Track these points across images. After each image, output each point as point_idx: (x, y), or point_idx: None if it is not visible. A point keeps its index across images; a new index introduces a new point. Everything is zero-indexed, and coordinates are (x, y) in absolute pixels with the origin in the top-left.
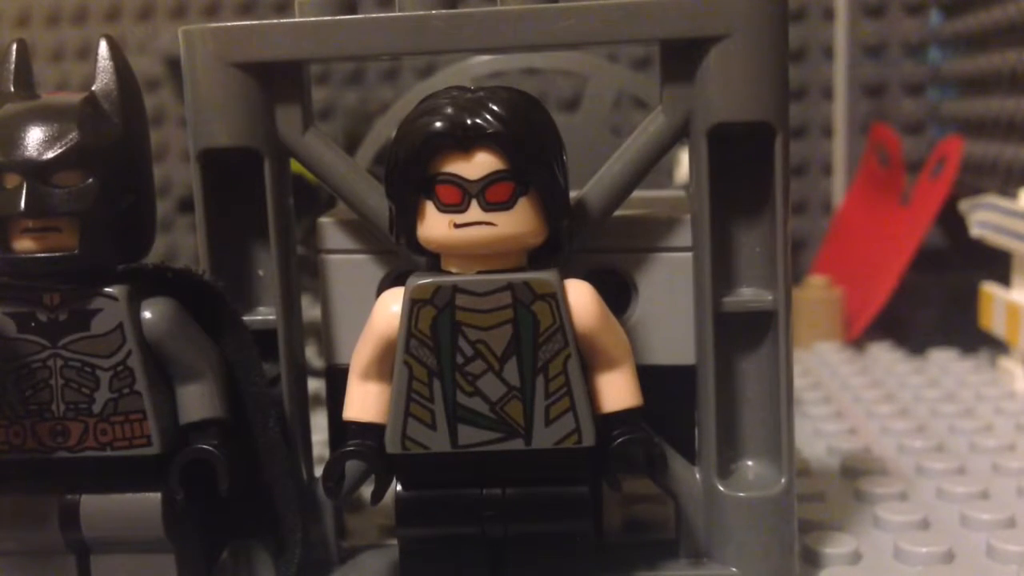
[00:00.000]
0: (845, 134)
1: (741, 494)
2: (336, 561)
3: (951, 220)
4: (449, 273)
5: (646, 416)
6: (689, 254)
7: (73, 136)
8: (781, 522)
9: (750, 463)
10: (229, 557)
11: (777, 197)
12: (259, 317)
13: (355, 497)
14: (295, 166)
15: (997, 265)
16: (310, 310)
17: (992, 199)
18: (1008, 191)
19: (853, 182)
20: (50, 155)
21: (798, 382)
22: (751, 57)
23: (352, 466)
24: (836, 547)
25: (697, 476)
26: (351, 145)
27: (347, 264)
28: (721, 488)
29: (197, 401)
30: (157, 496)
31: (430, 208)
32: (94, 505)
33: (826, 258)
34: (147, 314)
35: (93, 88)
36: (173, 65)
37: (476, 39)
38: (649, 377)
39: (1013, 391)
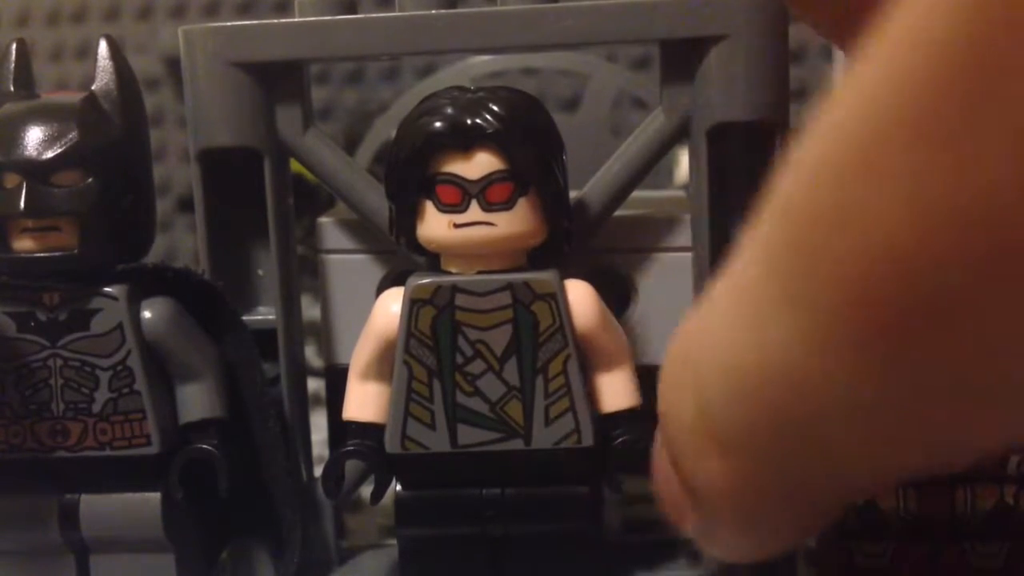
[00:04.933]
0: None
1: None
2: (336, 561)
3: None
4: (449, 273)
5: (646, 416)
6: (689, 254)
7: (73, 136)
8: None
9: None
10: (229, 557)
11: None
12: (259, 317)
13: (355, 497)
14: (295, 166)
15: None
16: (310, 310)
17: None
18: None
19: None
20: (50, 155)
21: None
22: (751, 57)
23: (352, 466)
24: None
25: None
26: (351, 145)
27: (347, 264)
28: None
29: (197, 401)
30: (157, 496)
31: (430, 208)
32: (94, 505)
33: None
34: (147, 314)
35: (93, 88)
36: (173, 65)
37: (476, 39)
38: (649, 377)
39: None
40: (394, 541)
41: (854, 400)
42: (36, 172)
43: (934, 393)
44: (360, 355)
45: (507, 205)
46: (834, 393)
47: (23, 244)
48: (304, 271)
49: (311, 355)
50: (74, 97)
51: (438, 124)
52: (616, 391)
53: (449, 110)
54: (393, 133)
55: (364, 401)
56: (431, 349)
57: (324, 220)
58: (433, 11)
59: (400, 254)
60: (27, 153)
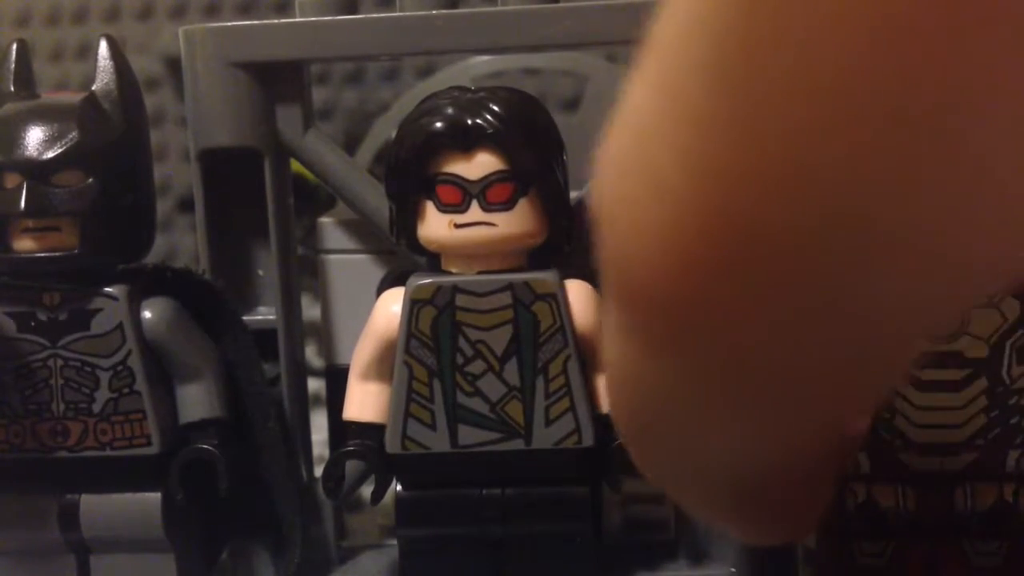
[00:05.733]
0: None
1: None
2: (336, 561)
3: None
4: (449, 273)
5: None
6: None
7: (73, 136)
8: None
9: None
10: (229, 557)
11: None
12: (259, 317)
13: (355, 497)
14: (295, 166)
15: None
16: (310, 310)
17: None
18: None
19: None
20: (50, 155)
21: None
22: None
23: (352, 466)
24: None
25: None
26: (351, 145)
27: (347, 264)
28: None
29: (197, 401)
30: (157, 496)
31: (430, 208)
32: (94, 505)
33: None
34: (147, 314)
35: (93, 88)
36: (173, 65)
37: (476, 39)
38: None
39: None
40: (394, 541)
41: (669, 386)
42: (36, 172)
43: (708, 378)
44: (360, 355)
45: (507, 205)
46: (650, 375)
47: (23, 244)
48: (304, 271)
49: (311, 355)
50: (74, 97)
51: (439, 124)
52: None
53: (449, 110)
54: (393, 133)
55: (364, 401)
56: (431, 349)
57: (324, 220)
58: (433, 11)
59: (400, 254)
60: (27, 153)
